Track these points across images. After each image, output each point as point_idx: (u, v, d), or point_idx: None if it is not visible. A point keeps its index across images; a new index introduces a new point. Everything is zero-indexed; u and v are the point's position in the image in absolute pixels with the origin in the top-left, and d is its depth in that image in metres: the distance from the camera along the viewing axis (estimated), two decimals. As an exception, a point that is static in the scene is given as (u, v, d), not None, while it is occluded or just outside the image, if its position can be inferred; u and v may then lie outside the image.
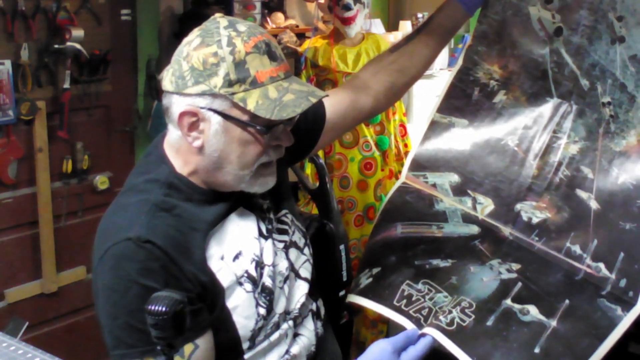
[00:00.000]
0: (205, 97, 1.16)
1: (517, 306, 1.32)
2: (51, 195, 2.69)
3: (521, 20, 1.52)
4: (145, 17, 2.94)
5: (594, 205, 1.38)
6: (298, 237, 1.38)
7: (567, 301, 1.31)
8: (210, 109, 1.16)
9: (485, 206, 1.55)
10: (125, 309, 1.12)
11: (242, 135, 1.18)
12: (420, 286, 1.41)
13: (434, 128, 1.65)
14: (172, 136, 1.23)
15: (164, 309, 0.91)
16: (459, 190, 1.60)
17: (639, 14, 1.36)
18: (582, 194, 1.41)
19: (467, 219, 1.56)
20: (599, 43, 1.41)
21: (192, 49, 1.16)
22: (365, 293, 1.46)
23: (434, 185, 1.63)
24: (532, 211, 1.48)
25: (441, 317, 1.31)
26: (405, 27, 3.37)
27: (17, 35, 2.50)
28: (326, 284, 1.52)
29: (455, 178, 1.61)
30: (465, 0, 1.54)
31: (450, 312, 1.32)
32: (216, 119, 1.17)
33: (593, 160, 1.42)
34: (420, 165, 1.66)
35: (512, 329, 1.28)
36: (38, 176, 2.64)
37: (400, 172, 2.89)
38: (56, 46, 2.58)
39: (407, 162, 1.70)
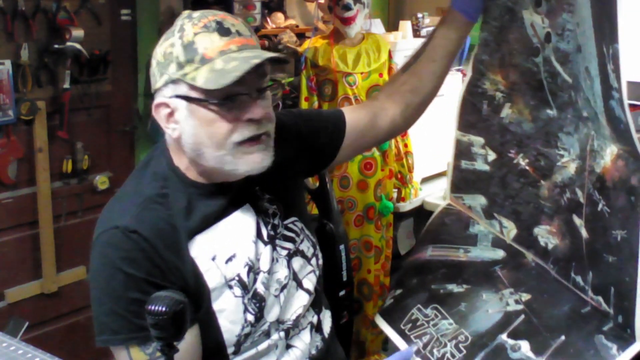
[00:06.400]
0: (168, 86, 1.18)
1: (510, 342, 1.30)
2: (51, 195, 2.69)
3: (516, 26, 1.38)
4: (145, 17, 2.93)
5: (584, 233, 1.27)
6: (306, 247, 1.37)
7: (562, 337, 1.26)
8: (176, 96, 1.18)
9: (510, 230, 1.48)
10: (110, 295, 1.15)
11: (206, 114, 1.17)
12: (428, 311, 1.41)
13: (459, 147, 1.58)
14: (166, 134, 1.26)
15: (164, 309, 0.92)
16: (487, 213, 1.53)
17: (586, 23, 1.18)
18: (577, 220, 1.29)
19: (496, 243, 1.50)
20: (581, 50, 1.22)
21: (157, 46, 1.22)
22: (384, 314, 1.48)
23: (470, 208, 1.58)
24: (547, 236, 1.39)
25: (435, 351, 1.32)
26: (405, 27, 3.36)
27: (17, 35, 2.50)
28: (326, 284, 1.52)
29: (483, 200, 1.54)
30: (465, 8, 1.46)
31: (445, 345, 1.32)
32: (182, 104, 1.18)
33: (583, 183, 1.27)
34: (456, 187, 1.60)
35: None
36: (38, 176, 2.64)
37: (400, 172, 2.90)
38: (56, 46, 2.58)
39: (447, 183, 1.64)
